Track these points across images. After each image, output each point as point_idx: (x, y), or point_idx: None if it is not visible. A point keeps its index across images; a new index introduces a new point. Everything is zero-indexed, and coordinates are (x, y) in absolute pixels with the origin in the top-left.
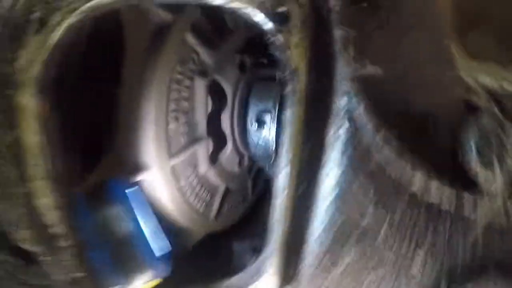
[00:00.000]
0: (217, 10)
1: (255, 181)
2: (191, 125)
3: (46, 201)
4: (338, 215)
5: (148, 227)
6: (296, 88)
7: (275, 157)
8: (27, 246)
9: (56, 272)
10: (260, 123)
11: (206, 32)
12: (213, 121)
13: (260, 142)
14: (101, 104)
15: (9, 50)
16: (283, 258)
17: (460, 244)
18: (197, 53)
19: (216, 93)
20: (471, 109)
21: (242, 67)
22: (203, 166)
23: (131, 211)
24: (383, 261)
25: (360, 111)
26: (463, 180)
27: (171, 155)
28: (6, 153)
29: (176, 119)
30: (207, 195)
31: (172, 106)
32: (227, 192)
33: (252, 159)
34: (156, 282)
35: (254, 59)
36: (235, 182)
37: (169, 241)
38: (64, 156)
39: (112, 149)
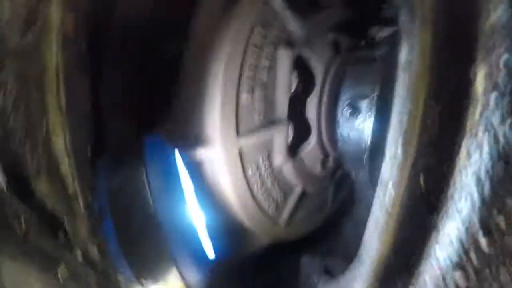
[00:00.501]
0: None
1: (338, 189)
2: (269, 102)
3: (60, 142)
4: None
5: (198, 218)
6: (419, 6)
7: (370, 154)
8: (50, 204)
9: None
10: (354, 110)
11: None
12: (297, 104)
13: (352, 135)
14: (165, 63)
15: None
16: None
17: None
18: (283, 19)
19: (303, 71)
20: None
21: (336, 46)
22: (279, 157)
23: (171, 189)
24: None
25: None
26: None
27: (241, 133)
28: (34, 80)
29: (251, 90)
30: (279, 193)
31: (248, 72)
32: (303, 195)
33: (337, 161)
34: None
35: (350, 39)
36: (314, 185)
37: (225, 243)
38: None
39: (171, 115)
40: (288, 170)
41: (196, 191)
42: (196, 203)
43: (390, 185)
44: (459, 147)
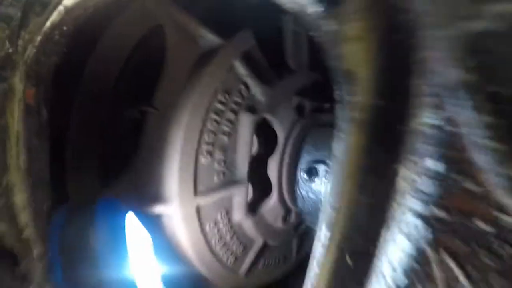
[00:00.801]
0: (277, 45)
1: (302, 240)
2: (229, 164)
3: (21, 198)
4: None
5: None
6: (353, 101)
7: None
8: (7, 245)
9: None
10: (312, 173)
11: (260, 64)
12: (258, 165)
13: (310, 195)
14: (128, 124)
15: (16, 28)
16: None
17: None
18: (246, 86)
19: (264, 134)
20: None
21: (300, 110)
22: (238, 215)
23: (123, 247)
24: None
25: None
26: None
27: (198, 193)
28: None
29: (210, 154)
30: (238, 246)
31: (207, 138)
32: (264, 247)
33: (299, 216)
34: None
35: (315, 103)
36: (276, 238)
37: None
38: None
39: (133, 171)
40: (248, 225)
41: (154, 243)
42: (154, 256)
43: (314, 264)
44: (380, 236)
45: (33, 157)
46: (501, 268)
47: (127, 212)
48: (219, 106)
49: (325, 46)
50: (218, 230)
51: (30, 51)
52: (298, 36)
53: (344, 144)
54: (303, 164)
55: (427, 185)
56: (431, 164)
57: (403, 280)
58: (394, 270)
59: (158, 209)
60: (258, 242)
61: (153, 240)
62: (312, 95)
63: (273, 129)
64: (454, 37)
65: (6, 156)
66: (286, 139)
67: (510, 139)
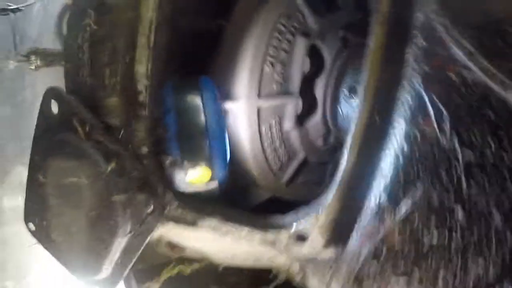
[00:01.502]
0: None
1: (335, 167)
2: (285, 77)
3: (143, 68)
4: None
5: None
6: (378, 9)
7: None
8: (113, 116)
9: (128, 146)
10: (354, 91)
11: None
12: (308, 83)
13: (350, 114)
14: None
15: None
16: (336, 214)
17: None
18: (302, 14)
19: (315, 57)
20: None
21: (344, 41)
22: (288, 123)
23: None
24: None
25: (437, 19)
26: None
27: (260, 95)
28: (126, 26)
29: (272, 65)
30: (284, 154)
31: (271, 51)
32: (305, 162)
33: (338, 139)
34: (208, 177)
35: (358, 38)
36: (315, 155)
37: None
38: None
39: (213, 68)
40: (294, 136)
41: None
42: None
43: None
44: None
45: (159, 36)
46: (467, 104)
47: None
48: (281, 27)
49: None
50: (271, 134)
51: None
52: None
53: (372, 37)
54: (345, 85)
55: (420, 54)
56: (421, 43)
57: (411, 119)
58: (407, 115)
59: (228, 105)
60: (300, 155)
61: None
62: (355, 30)
63: (321, 56)
64: None
65: (135, 38)
66: (332, 64)
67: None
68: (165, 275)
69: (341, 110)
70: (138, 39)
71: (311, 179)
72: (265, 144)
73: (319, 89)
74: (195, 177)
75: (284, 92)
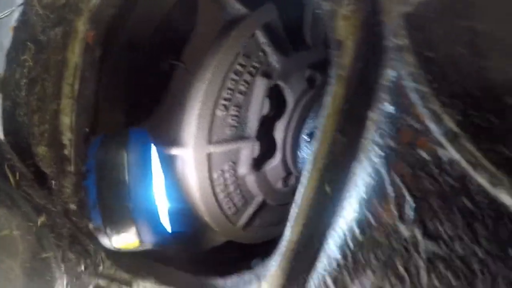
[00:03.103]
0: (297, 21)
1: None
2: (241, 121)
3: (67, 120)
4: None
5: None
6: (340, 62)
7: None
8: (43, 165)
9: (57, 200)
10: (313, 137)
11: (279, 36)
12: (266, 126)
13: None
14: (157, 76)
15: None
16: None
17: None
18: (264, 53)
19: (276, 99)
20: None
21: (310, 82)
22: (244, 168)
23: (144, 171)
24: None
25: (412, 85)
26: None
27: (211, 141)
28: (54, 69)
29: (226, 108)
30: (240, 199)
31: (225, 94)
32: (263, 205)
33: (299, 180)
34: (136, 244)
35: (325, 77)
36: (275, 198)
37: (184, 230)
38: (103, 92)
39: (157, 114)
40: (250, 180)
41: (166, 181)
42: (164, 191)
43: (296, 197)
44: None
45: (84, 86)
46: (439, 190)
47: (150, 145)
48: (239, 67)
49: (324, 21)
50: (224, 180)
51: (96, 1)
52: (316, 15)
53: (330, 93)
54: (306, 129)
55: (385, 123)
56: (388, 108)
57: (366, 200)
58: (361, 194)
59: (175, 151)
60: (258, 198)
61: (165, 179)
62: (324, 69)
63: (284, 96)
64: (397, 16)
65: (61, 85)
66: (295, 106)
67: (432, 84)
68: None
69: (301, 155)
70: (62, 87)
71: (271, 220)
72: (217, 190)
73: (279, 132)
74: (121, 244)
75: (239, 136)
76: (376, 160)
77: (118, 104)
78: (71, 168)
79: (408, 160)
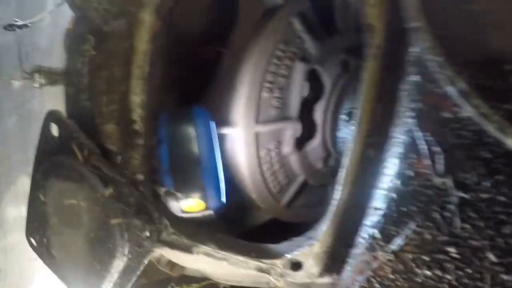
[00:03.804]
0: (328, 9)
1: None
2: (284, 102)
3: (138, 98)
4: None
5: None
6: (373, 43)
7: None
8: (109, 142)
9: (124, 171)
10: (351, 116)
11: (313, 23)
12: (307, 107)
13: (349, 137)
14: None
15: None
16: (330, 245)
17: None
18: (301, 39)
19: (314, 82)
20: None
21: (345, 66)
22: (287, 147)
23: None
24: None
25: (431, 57)
26: None
27: (258, 121)
28: (121, 55)
29: (270, 90)
30: (284, 178)
31: (269, 77)
32: (305, 185)
33: (338, 162)
34: (202, 207)
35: (357, 61)
36: (316, 178)
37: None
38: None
39: (211, 95)
40: (293, 160)
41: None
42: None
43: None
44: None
45: (153, 69)
46: (462, 143)
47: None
48: (279, 53)
49: (357, 7)
50: (270, 158)
51: None
52: (346, 3)
53: (366, 69)
54: (344, 110)
55: (413, 91)
56: (414, 78)
57: (403, 156)
58: (399, 152)
59: (225, 130)
60: (300, 178)
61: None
62: (356, 53)
63: (321, 81)
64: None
65: (130, 68)
66: (332, 88)
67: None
68: None
69: (340, 135)
70: (132, 70)
71: (312, 201)
72: (264, 168)
73: (319, 113)
74: (189, 208)
75: (283, 117)
76: (409, 121)
77: (172, 87)
78: (141, 141)
79: (434, 119)
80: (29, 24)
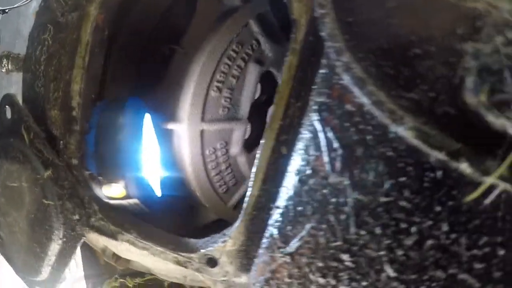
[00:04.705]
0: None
1: None
2: (233, 102)
3: (77, 87)
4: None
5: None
6: (294, 38)
7: None
8: (54, 128)
9: (62, 155)
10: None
11: (271, 26)
12: (259, 110)
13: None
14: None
15: None
16: (241, 243)
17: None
18: (258, 41)
19: (268, 84)
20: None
21: None
22: (235, 148)
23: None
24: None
25: (330, 44)
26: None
27: (204, 119)
28: (69, 46)
29: (219, 90)
30: (231, 179)
31: (218, 77)
32: None
33: None
34: (123, 194)
35: None
36: None
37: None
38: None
39: (161, 90)
40: (242, 161)
41: (163, 154)
42: (160, 162)
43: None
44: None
45: (93, 59)
46: (363, 139)
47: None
48: (232, 53)
49: (286, 4)
50: (216, 157)
51: None
52: None
53: (286, 63)
54: None
55: (322, 84)
56: (323, 69)
57: (305, 153)
58: (303, 149)
59: (171, 125)
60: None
61: (162, 152)
62: None
63: (275, 81)
64: None
65: (74, 58)
66: None
67: (348, 42)
68: (106, 286)
69: None
70: (76, 60)
71: None
72: (209, 167)
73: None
74: (111, 193)
75: (232, 117)
76: (314, 116)
77: (124, 79)
78: (77, 127)
79: (338, 113)
80: (7, 11)
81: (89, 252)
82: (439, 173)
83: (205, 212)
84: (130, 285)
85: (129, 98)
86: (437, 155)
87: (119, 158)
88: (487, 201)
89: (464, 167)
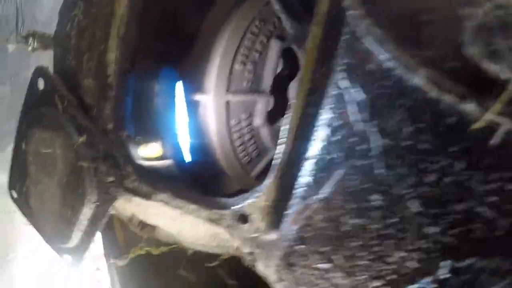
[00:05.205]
0: None
1: None
2: (257, 76)
3: (112, 56)
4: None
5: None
6: (318, 11)
7: None
8: (87, 96)
9: (97, 121)
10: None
11: (292, 3)
12: (281, 83)
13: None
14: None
15: None
16: (273, 198)
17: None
18: (279, 19)
19: (290, 59)
20: None
21: None
22: (259, 120)
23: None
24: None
25: (352, 12)
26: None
27: (229, 91)
28: (102, 19)
29: (243, 63)
30: (254, 150)
31: (242, 51)
32: None
33: None
34: (159, 153)
35: None
36: None
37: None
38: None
39: (188, 63)
40: (264, 133)
41: (190, 124)
42: (188, 132)
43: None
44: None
45: (128, 30)
46: (385, 92)
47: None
48: (255, 29)
49: None
50: (240, 128)
51: None
52: None
53: (309, 34)
54: None
55: (347, 49)
56: (346, 37)
57: (333, 108)
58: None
59: (198, 97)
60: (272, 152)
61: (190, 123)
62: None
63: (296, 57)
64: None
65: (108, 30)
66: None
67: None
68: (132, 254)
69: None
70: (111, 31)
71: None
72: (234, 137)
73: (293, 90)
74: (147, 153)
75: (255, 89)
76: (339, 76)
77: (153, 52)
78: (113, 93)
79: (360, 72)
80: None
81: (109, 231)
82: (450, 117)
83: (229, 181)
84: (156, 253)
85: (162, 67)
86: (447, 98)
87: (157, 120)
88: (494, 140)
89: (471, 107)
